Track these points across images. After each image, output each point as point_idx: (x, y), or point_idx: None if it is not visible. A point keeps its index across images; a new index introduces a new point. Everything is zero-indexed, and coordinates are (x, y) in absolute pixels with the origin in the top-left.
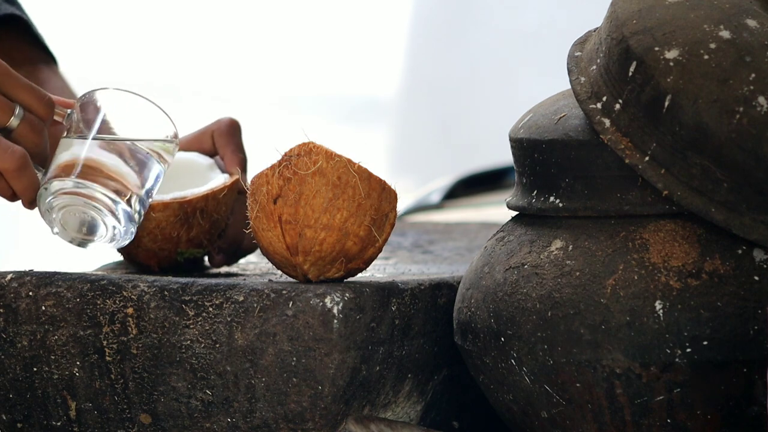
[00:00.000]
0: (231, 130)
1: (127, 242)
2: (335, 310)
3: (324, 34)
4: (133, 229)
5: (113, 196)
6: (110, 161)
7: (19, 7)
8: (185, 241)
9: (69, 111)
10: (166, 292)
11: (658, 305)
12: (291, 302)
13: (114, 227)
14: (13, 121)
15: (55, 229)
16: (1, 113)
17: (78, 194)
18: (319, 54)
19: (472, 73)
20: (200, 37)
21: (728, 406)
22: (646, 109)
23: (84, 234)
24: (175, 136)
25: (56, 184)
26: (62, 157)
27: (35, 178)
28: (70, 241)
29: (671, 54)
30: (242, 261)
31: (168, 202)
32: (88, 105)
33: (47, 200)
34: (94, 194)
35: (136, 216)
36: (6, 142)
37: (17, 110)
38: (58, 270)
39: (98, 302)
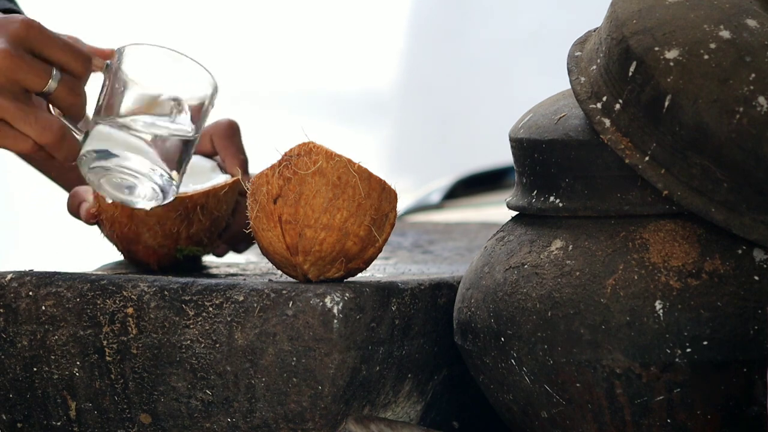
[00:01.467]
0: (230, 132)
1: (170, 199)
2: (335, 310)
3: (323, 34)
4: (176, 186)
5: (149, 166)
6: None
7: (14, 2)
8: (185, 238)
9: (107, 62)
10: (166, 292)
11: (658, 305)
12: (291, 302)
13: (153, 188)
14: (51, 85)
15: (101, 190)
16: (37, 79)
17: (114, 168)
18: (319, 54)
19: (471, 72)
20: (199, 37)
21: (728, 406)
22: (646, 109)
23: (127, 194)
24: (215, 88)
25: (92, 163)
26: (97, 133)
27: (74, 144)
28: (117, 201)
29: (671, 54)
30: (242, 261)
31: None
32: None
33: (86, 168)
34: (130, 166)
35: (175, 180)
36: (44, 117)
37: (54, 72)
38: (58, 270)
39: (98, 302)
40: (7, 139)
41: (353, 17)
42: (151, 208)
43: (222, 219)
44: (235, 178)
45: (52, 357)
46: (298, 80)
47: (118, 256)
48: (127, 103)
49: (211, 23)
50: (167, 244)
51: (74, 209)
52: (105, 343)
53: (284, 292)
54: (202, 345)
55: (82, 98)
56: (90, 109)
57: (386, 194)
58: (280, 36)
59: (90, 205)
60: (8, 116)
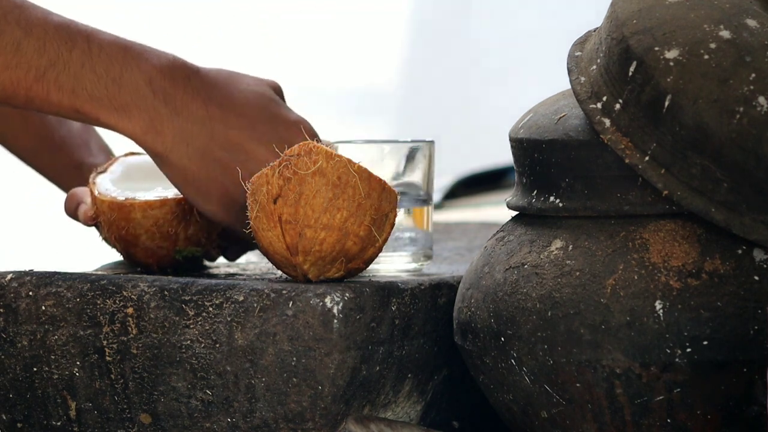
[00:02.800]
0: None
1: None
2: (335, 310)
3: (322, 33)
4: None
5: None
6: None
7: None
8: (183, 239)
9: None
10: (166, 292)
11: (658, 305)
12: (291, 302)
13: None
14: None
15: None
16: None
17: None
18: (319, 53)
19: (471, 72)
20: (201, 35)
21: (728, 406)
22: (646, 109)
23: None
24: None
25: None
26: None
27: None
28: None
29: (671, 54)
30: (242, 261)
31: (165, 199)
32: None
33: None
34: None
35: None
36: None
37: None
38: (58, 270)
39: (98, 302)
40: None
41: (353, 17)
42: (149, 211)
43: None
44: None
45: (52, 357)
46: (299, 79)
47: (118, 257)
48: None
49: (212, 21)
50: (166, 245)
51: (71, 211)
52: (105, 343)
53: (284, 292)
54: (202, 345)
55: None
56: None
57: (386, 194)
58: (280, 33)
59: (88, 208)
60: None
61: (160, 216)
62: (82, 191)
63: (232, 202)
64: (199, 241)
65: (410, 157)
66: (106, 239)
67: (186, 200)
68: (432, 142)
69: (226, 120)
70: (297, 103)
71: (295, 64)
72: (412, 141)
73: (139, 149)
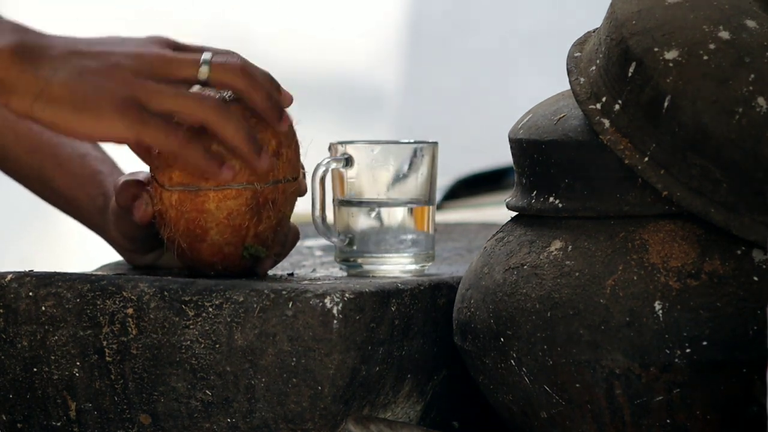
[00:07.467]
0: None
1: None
2: (335, 311)
3: (322, 36)
4: None
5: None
6: None
7: None
8: (252, 236)
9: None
10: (165, 293)
11: (657, 305)
12: (291, 302)
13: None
14: (203, 69)
15: None
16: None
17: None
18: (318, 54)
19: (471, 72)
20: (196, 32)
21: (728, 406)
22: (646, 109)
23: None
24: None
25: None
26: None
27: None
28: None
29: (671, 55)
30: None
31: (242, 190)
32: None
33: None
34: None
35: None
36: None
37: (203, 56)
38: (58, 270)
39: (98, 302)
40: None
41: (354, 18)
42: (224, 201)
43: (286, 219)
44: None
45: (52, 357)
46: (299, 79)
47: (118, 257)
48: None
49: (211, 19)
50: (234, 241)
51: (126, 203)
52: (105, 343)
53: (284, 292)
54: (202, 345)
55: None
56: None
57: None
58: (279, 31)
59: (146, 204)
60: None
61: (235, 207)
62: (136, 182)
63: (124, 105)
64: (266, 240)
65: (413, 159)
66: (167, 237)
67: (261, 193)
68: (436, 143)
69: (80, 50)
70: (297, 102)
71: (295, 64)
72: (416, 142)
73: None
